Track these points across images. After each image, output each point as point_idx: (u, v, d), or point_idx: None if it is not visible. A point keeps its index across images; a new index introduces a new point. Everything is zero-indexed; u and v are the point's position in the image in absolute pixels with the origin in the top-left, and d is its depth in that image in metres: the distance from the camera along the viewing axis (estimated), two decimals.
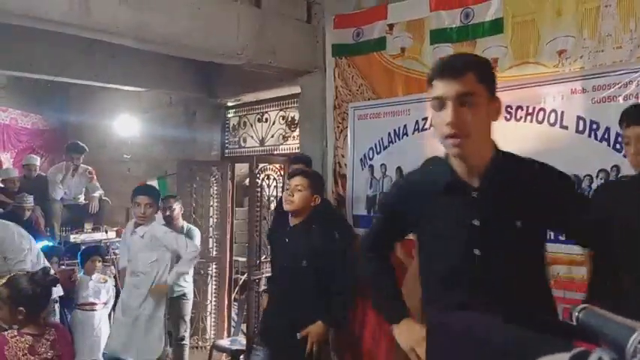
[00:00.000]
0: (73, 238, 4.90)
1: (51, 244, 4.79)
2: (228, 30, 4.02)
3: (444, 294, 1.57)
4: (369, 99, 4.26)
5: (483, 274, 1.48)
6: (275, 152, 5.54)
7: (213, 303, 5.95)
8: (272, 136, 5.63)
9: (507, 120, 3.33)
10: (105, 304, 4.50)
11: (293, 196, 3.01)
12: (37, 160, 6.00)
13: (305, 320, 2.95)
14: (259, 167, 5.08)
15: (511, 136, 3.29)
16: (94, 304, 4.44)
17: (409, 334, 1.67)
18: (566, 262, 2.92)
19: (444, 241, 1.55)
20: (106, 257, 4.68)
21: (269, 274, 4.76)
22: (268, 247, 4.07)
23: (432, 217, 1.57)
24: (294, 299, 2.97)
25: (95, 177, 5.77)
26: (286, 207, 3.02)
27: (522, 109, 3.24)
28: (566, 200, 1.56)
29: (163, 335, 3.83)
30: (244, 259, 6.46)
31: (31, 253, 3.70)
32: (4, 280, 2.41)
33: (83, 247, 4.57)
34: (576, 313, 0.49)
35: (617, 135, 2.82)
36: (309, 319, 2.95)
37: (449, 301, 1.53)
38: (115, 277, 4.66)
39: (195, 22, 3.78)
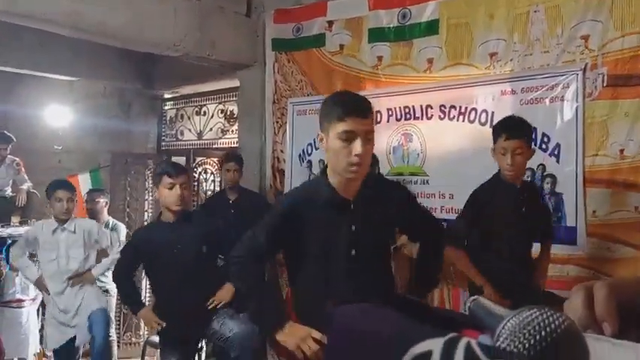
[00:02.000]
0: (0, 232, 4.67)
1: None
2: (165, 21, 3.93)
3: (325, 293, 1.81)
4: (308, 95, 4.28)
5: (359, 271, 1.83)
6: (213, 146, 5.47)
7: (147, 299, 5.82)
8: (210, 130, 5.56)
9: (441, 119, 3.44)
10: (33, 300, 4.32)
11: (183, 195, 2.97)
12: None
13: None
14: (197, 161, 5.02)
15: (444, 134, 3.43)
16: (21, 300, 4.25)
17: (297, 332, 1.78)
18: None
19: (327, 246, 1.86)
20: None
21: None
22: None
23: (316, 227, 1.84)
24: (196, 287, 2.90)
25: (23, 169, 5.50)
26: (175, 208, 2.89)
27: (455, 109, 3.35)
28: (408, 208, 1.97)
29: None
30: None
31: None
32: None
33: (9, 242, 4.36)
34: (468, 304, 0.54)
35: (544, 135, 2.97)
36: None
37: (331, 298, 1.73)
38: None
39: (131, 12, 3.68)
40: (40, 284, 3.67)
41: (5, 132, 5.51)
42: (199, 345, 3.43)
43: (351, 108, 1.72)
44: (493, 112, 3.15)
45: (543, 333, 0.46)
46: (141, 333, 5.70)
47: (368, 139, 1.72)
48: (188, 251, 2.87)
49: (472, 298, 0.53)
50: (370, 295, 1.66)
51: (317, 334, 1.74)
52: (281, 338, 1.79)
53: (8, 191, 5.45)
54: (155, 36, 3.93)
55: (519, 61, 3.10)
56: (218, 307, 2.90)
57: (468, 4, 3.29)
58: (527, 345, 0.46)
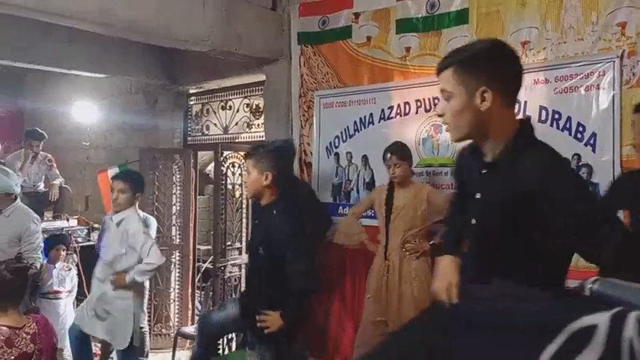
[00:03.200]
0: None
1: None
2: (194, 16, 3.95)
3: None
4: (334, 87, 4.27)
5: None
6: (238, 140, 5.50)
7: (177, 291, 5.90)
8: (236, 124, 5.58)
9: None
10: (69, 292, 4.42)
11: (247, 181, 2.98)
12: None
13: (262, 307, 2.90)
14: (224, 155, 5.05)
15: None
16: (58, 292, 4.37)
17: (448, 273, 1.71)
18: None
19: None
20: (70, 245, 4.59)
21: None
22: None
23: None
24: (253, 286, 2.99)
25: (55, 165, 5.61)
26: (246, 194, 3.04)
27: None
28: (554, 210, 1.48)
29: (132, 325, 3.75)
30: (205, 248, 6.43)
31: None
32: None
33: (46, 236, 4.46)
34: (590, 285, 0.52)
35: (579, 124, 2.93)
36: (265, 307, 2.87)
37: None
38: (77, 265, 4.59)
39: (159, 8, 3.71)
40: None
41: (37, 129, 5.62)
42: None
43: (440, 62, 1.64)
44: (526, 102, 3.11)
45: None
46: (171, 324, 5.78)
47: (445, 97, 1.60)
48: (256, 245, 2.94)
49: (593, 278, 0.52)
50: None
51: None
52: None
53: (41, 187, 5.57)
54: (183, 31, 3.95)
55: (552, 49, 3.05)
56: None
57: None
58: None
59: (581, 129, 2.93)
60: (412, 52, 3.73)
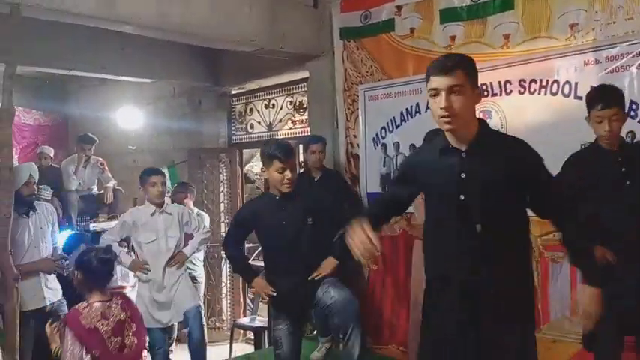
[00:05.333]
0: (93, 226, 5.01)
1: (75, 232, 4.93)
2: (242, 18, 4.12)
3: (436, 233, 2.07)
4: (379, 80, 4.38)
5: (466, 215, 1.93)
6: (284, 136, 5.64)
7: (228, 285, 6.09)
8: (280, 121, 5.73)
9: (521, 94, 3.48)
10: (133, 287, 4.61)
11: (291, 178, 2.94)
12: (52, 151, 6.08)
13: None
14: None
15: (525, 108, 3.47)
16: (122, 287, 4.56)
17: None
18: None
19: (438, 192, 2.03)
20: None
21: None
22: None
23: (433, 174, 2.03)
24: (303, 257, 3.00)
25: (107, 168, 5.84)
26: (287, 190, 2.95)
27: (536, 82, 3.39)
28: (533, 173, 1.95)
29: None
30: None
31: None
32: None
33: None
34: None
35: (632, 102, 2.99)
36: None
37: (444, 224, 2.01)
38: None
39: (210, 10, 3.88)
40: (134, 266, 3.88)
41: (88, 134, 5.85)
42: (307, 314, 3.56)
43: (433, 68, 1.91)
44: (577, 83, 3.18)
45: None
46: (224, 317, 5.97)
47: (453, 91, 1.85)
48: (295, 223, 2.96)
49: None
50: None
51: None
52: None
53: (95, 189, 5.80)
54: (232, 33, 4.11)
55: (602, 29, 3.11)
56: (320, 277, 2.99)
57: None
58: None
59: (634, 107, 2.99)
60: (457, 41, 3.82)
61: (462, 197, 1.92)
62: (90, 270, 2.61)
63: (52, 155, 6.01)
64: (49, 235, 3.88)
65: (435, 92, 1.88)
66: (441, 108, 1.86)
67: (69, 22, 3.27)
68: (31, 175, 3.76)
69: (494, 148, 1.93)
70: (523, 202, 1.99)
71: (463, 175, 1.92)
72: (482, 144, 1.92)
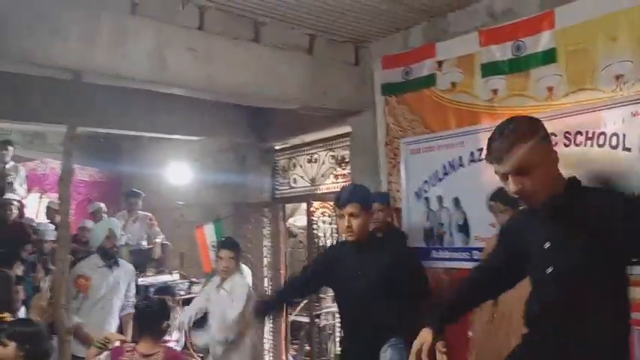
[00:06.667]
0: (141, 281, 5.12)
1: None
2: (285, 77, 4.25)
3: None
4: (420, 133, 4.39)
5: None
6: (326, 191, 5.68)
7: (271, 342, 6.03)
8: (322, 175, 5.79)
9: (567, 146, 3.42)
10: (177, 341, 4.63)
11: (351, 225, 2.79)
12: (104, 207, 6.31)
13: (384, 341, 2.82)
14: (313, 205, 5.26)
15: (571, 161, 3.39)
16: (166, 341, 4.57)
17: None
18: None
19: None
20: (175, 297, 4.87)
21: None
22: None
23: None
24: (373, 322, 2.80)
25: (155, 222, 6.01)
26: (350, 239, 2.82)
27: (582, 135, 3.33)
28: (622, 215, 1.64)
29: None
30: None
31: None
32: None
33: (155, 288, 4.77)
34: None
35: None
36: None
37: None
38: None
39: (255, 71, 4.02)
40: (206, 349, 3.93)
41: (134, 189, 6.08)
42: None
43: (488, 156, 1.76)
44: (625, 135, 3.11)
45: None
46: None
47: (519, 174, 1.68)
48: (368, 277, 2.75)
49: None
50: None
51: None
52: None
53: (144, 244, 5.95)
54: (276, 92, 4.24)
55: None
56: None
57: (586, 30, 3.30)
58: None
59: None
60: (500, 94, 3.81)
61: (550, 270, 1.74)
62: (136, 316, 2.76)
63: (104, 211, 6.23)
64: (122, 292, 4.05)
65: (502, 177, 1.73)
66: (512, 192, 1.71)
67: (124, 85, 3.46)
68: (110, 228, 4.01)
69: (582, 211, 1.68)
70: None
71: (548, 245, 1.74)
72: (567, 207, 1.70)
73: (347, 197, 2.81)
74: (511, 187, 1.69)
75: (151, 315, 2.71)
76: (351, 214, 2.76)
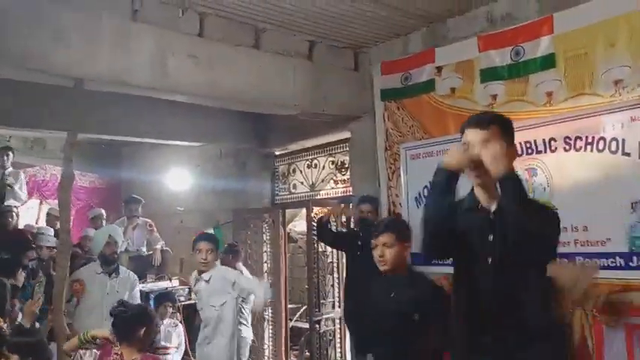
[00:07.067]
0: (142, 287, 5.10)
1: None
2: (286, 83, 4.27)
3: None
4: (420, 139, 4.39)
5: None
6: (326, 196, 5.68)
7: (271, 347, 6.02)
8: (322, 181, 5.80)
9: (566, 151, 3.43)
10: (177, 348, 4.62)
11: (384, 255, 2.74)
12: (104, 213, 6.31)
13: None
14: (314, 211, 5.25)
15: (571, 166, 3.41)
16: (166, 347, 4.57)
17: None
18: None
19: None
20: (175, 304, 4.86)
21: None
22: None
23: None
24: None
25: (155, 229, 6.00)
26: (382, 268, 2.75)
27: (581, 139, 3.33)
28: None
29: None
30: (290, 306, 6.50)
31: None
32: None
33: (155, 294, 4.76)
34: None
35: None
36: None
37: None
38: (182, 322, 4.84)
39: (256, 77, 4.05)
40: None
41: (134, 195, 6.07)
42: None
43: (468, 122, 2.02)
44: (624, 139, 3.12)
45: None
46: None
47: (484, 146, 1.92)
48: (394, 310, 2.66)
49: None
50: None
51: None
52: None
53: (144, 250, 5.94)
54: (277, 98, 4.26)
55: None
56: None
57: (586, 36, 3.31)
58: None
59: None
60: (499, 99, 3.82)
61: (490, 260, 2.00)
62: (112, 322, 2.72)
63: (104, 217, 6.23)
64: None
65: (468, 146, 1.96)
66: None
67: (126, 92, 3.47)
68: (110, 235, 4.01)
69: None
70: None
71: (490, 238, 1.99)
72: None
73: (382, 228, 2.82)
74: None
75: (124, 320, 2.67)
76: (384, 244, 2.74)
